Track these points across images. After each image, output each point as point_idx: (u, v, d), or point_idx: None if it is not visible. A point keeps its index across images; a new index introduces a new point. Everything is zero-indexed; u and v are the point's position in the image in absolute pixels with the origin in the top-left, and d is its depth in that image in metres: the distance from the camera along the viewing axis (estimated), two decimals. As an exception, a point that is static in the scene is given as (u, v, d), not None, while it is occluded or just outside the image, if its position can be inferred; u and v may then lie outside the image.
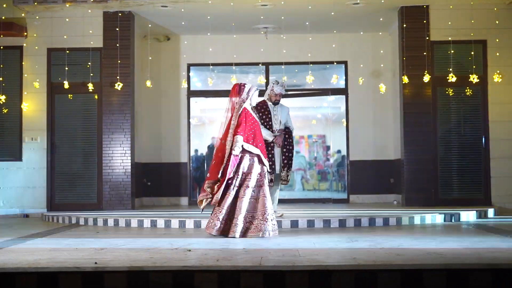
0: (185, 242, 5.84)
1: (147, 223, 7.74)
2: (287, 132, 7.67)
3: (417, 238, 5.99)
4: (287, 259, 4.61)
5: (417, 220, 7.70)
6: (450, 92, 9.94)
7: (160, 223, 7.66)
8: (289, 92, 11.46)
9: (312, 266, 4.26)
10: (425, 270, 4.20)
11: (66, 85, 9.66)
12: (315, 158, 15.42)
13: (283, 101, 7.86)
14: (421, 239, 5.89)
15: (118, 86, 9.72)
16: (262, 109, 7.61)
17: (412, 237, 6.09)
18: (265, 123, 7.54)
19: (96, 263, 4.46)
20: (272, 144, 7.51)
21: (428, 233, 6.43)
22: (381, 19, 10.32)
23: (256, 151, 6.28)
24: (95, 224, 8.15)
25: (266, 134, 7.40)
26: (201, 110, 13.55)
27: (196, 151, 12.30)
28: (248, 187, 6.20)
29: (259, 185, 6.25)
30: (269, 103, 7.65)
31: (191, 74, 11.71)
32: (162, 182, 11.25)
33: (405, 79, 9.53)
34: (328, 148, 14.25)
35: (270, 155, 7.43)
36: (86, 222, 8.26)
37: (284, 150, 7.61)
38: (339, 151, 13.42)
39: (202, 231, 7.13)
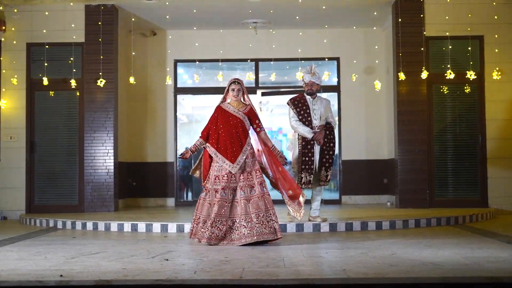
0: (163, 250, 5.46)
1: (127, 227, 7.34)
2: (328, 128, 7.06)
3: (411, 244, 5.62)
4: (271, 270, 4.23)
5: (411, 224, 7.33)
6: (445, 90, 9.59)
7: (141, 227, 7.26)
8: (281, 90, 11.12)
9: (297, 280, 3.89)
10: (421, 284, 3.84)
11: (46, 82, 9.24)
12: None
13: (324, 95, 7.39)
14: (415, 246, 5.53)
15: (101, 82, 9.31)
16: (300, 104, 7.04)
17: (406, 243, 5.73)
18: (304, 119, 6.99)
19: (61, 275, 4.08)
20: (312, 142, 6.97)
21: (423, 239, 6.07)
22: (375, 13, 9.95)
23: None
24: (74, 228, 7.74)
25: (305, 131, 6.92)
26: (192, 107, 13.14)
27: (187, 149, 11.84)
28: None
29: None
30: (307, 97, 7.07)
31: (181, 70, 11.31)
32: (148, 182, 10.84)
33: (402, 76, 9.16)
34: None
35: (310, 154, 6.95)
36: (64, 226, 7.85)
37: (323, 147, 7.01)
38: (332, 150, 13.04)
39: (184, 236, 6.75)
